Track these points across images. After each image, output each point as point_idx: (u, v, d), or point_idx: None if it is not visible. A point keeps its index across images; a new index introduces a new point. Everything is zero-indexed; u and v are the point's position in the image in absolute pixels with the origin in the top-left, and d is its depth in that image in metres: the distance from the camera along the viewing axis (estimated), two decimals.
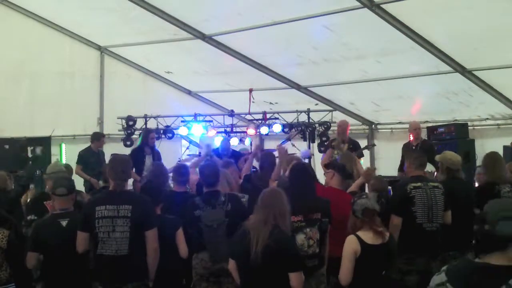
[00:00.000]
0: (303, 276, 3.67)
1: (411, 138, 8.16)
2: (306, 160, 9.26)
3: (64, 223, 4.32)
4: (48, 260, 4.37)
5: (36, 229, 4.43)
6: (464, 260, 2.36)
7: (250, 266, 3.57)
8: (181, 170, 5.58)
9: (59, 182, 4.50)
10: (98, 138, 8.96)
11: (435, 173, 6.23)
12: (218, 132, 10.32)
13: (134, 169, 7.80)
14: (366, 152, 9.22)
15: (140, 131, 10.05)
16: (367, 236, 3.93)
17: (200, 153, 9.94)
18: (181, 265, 4.71)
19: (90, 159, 8.53)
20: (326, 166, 5.54)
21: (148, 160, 8.74)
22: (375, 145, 9.44)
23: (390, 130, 10.44)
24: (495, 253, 2.20)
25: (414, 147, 7.91)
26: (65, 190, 4.42)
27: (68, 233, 4.24)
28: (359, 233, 3.96)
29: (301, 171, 4.75)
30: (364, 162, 9.23)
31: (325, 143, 9.02)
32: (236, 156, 8.57)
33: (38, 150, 8.83)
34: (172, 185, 5.98)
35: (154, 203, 4.51)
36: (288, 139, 9.65)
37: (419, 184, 4.82)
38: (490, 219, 2.21)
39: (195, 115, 10.16)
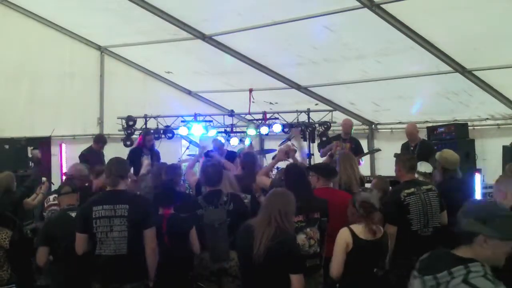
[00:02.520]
0: (303, 280, 3.65)
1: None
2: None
3: (73, 214, 4.44)
4: (56, 254, 4.41)
5: (47, 223, 4.61)
6: (438, 250, 2.55)
7: (252, 265, 3.57)
8: (170, 171, 5.57)
9: (63, 183, 4.68)
10: (102, 141, 8.96)
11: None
12: (218, 132, 10.32)
13: (132, 170, 7.80)
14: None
15: (140, 131, 10.05)
16: (360, 230, 3.98)
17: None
18: (190, 261, 4.73)
19: (92, 159, 8.53)
20: (308, 169, 5.55)
21: (146, 161, 8.72)
22: (379, 149, 9.21)
23: (390, 130, 10.45)
24: (463, 247, 2.38)
25: (412, 148, 7.90)
26: (69, 188, 4.70)
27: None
28: (352, 226, 4.01)
29: (297, 171, 4.77)
30: (364, 163, 9.26)
31: (325, 143, 9.03)
32: (231, 156, 8.55)
33: (36, 152, 8.74)
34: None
35: (167, 204, 4.56)
36: (288, 139, 9.65)
37: (412, 189, 4.76)
38: (458, 216, 2.45)
39: (195, 115, 10.16)
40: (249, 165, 6.44)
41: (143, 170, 6.94)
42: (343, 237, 3.97)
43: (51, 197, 5.61)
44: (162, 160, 8.77)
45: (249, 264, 3.62)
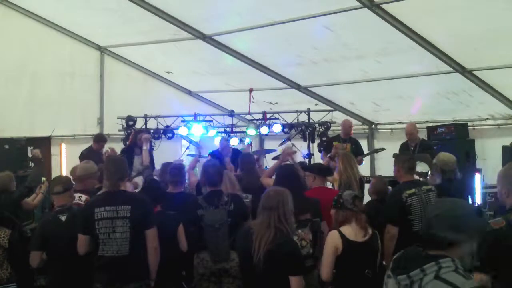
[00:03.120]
0: (303, 282, 3.63)
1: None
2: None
3: (63, 218, 4.42)
4: (51, 257, 4.41)
5: (39, 227, 4.55)
6: (413, 247, 2.54)
7: (252, 266, 3.56)
8: (174, 171, 5.56)
9: (56, 181, 4.66)
10: (102, 140, 8.96)
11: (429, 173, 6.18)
12: (218, 132, 10.32)
13: None
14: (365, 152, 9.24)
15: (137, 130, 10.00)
16: (350, 232, 3.96)
17: (200, 153, 9.93)
18: (182, 259, 4.73)
19: (92, 159, 8.50)
20: (303, 169, 5.55)
21: (137, 161, 8.68)
22: (384, 149, 8.94)
23: (390, 130, 10.45)
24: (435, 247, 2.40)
25: (412, 148, 7.89)
26: (61, 188, 4.57)
27: (67, 228, 4.32)
28: (342, 228, 3.99)
29: (288, 173, 4.78)
30: (364, 163, 9.24)
31: (325, 143, 9.03)
32: (237, 155, 8.53)
33: (36, 152, 8.69)
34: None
35: (154, 202, 4.54)
36: (288, 139, 9.65)
37: (413, 190, 4.77)
38: (430, 220, 2.43)
39: (195, 115, 10.15)
40: (247, 165, 6.43)
41: (134, 173, 6.91)
42: (333, 241, 3.95)
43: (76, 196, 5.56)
44: (154, 161, 8.71)
45: (249, 266, 3.61)
